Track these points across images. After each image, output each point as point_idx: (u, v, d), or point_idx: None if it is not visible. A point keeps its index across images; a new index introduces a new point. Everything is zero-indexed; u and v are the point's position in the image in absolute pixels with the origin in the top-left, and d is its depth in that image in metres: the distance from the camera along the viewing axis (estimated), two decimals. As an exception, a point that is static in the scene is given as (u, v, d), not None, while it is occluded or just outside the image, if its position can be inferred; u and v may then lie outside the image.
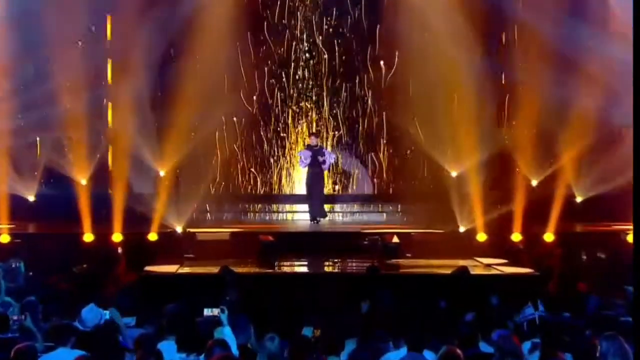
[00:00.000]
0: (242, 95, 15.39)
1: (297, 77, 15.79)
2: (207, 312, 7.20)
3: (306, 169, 13.89)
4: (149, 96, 14.18)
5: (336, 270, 11.66)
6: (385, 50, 15.27)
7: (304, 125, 15.78)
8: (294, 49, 15.66)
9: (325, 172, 14.33)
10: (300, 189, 15.49)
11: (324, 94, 15.82)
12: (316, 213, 13.82)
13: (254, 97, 15.49)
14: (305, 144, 15.20)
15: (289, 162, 15.81)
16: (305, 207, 14.35)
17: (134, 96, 13.61)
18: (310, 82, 15.82)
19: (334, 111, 15.78)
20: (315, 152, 13.66)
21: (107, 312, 6.89)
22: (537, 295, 7.79)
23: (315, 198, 13.84)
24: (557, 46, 13.37)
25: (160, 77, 14.33)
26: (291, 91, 15.74)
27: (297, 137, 15.79)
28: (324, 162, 13.70)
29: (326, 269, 11.78)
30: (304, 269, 11.94)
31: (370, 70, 15.54)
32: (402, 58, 14.97)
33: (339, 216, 15.13)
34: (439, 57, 14.11)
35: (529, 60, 13.83)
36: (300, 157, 13.81)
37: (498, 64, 14.42)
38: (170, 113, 13.80)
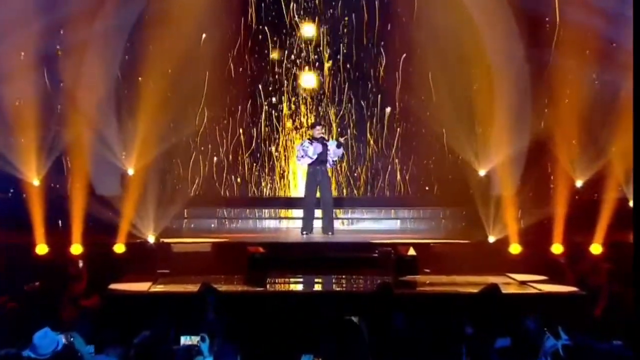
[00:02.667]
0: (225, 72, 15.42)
1: (292, 48, 15.84)
2: (184, 340, 7.20)
3: (306, 167, 13.85)
4: (114, 76, 14.19)
5: (340, 288, 11.67)
6: (400, 19, 15.31)
7: (301, 111, 15.81)
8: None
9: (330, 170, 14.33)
10: (297, 191, 15.51)
11: (326, 71, 15.85)
12: (309, 228, 13.80)
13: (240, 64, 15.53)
14: (301, 136, 15.27)
15: (282, 157, 15.82)
16: (301, 212, 14.33)
17: (96, 74, 13.60)
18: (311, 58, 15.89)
19: (336, 91, 15.83)
20: (324, 147, 13.63)
21: (64, 338, 6.88)
22: (579, 318, 7.78)
23: (314, 207, 13.82)
24: (606, 16, 13.37)
25: (129, 51, 14.34)
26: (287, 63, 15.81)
27: (293, 124, 15.81)
28: (332, 161, 13.63)
29: (328, 287, 11.79)
30: (302, 287, 11.95)
31: (383, 51, 15.60)
32: (420, 29, 14.99)
33: (343, 223, 15.14)
34: (463, 29, 14.12)
35: (573, 33, 13.76)
36: (306, 151, 13.65)
37: (535, 37, 14.40)
38: (141, 96, 13.80)
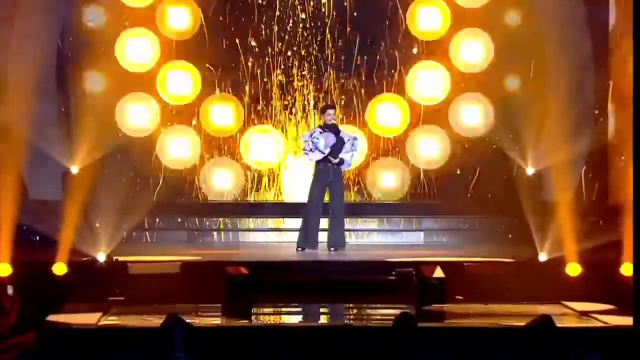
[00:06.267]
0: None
1: (286, 20, 15.86)
2: (145, 385, 7.23)
3: (313, 163, 13.91)
4: (53, 48, 14.19)
5: (347, 321, 11.66)
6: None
7: (297, 95, 15.83)
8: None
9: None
10: (291, 195, 15.51)
11: (328, 45, 15.88)
12: (310, 241, 13.86)
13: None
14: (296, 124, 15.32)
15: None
16: (296, 222, 14.34)
17: (30, 48, 13.60)
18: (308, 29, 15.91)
19: (342, 73, 15.83)
20: (338, 138, 13.65)
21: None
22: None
23: (319, 216, 13.87)
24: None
25: (74, 18, 14.38)
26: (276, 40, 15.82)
27: (285, 109, 15.84)
28: (349, 161, 13.64)
29: (331, 318, 11.83)
30: (297, 320, 11.99)
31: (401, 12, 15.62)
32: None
33: (350, 237, 15.14)
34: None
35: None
36: (316, 143, 13.62)
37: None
38: (90, 74, 13.79)
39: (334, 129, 13.71)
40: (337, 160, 13.60)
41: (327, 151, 13.58)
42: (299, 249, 13.88)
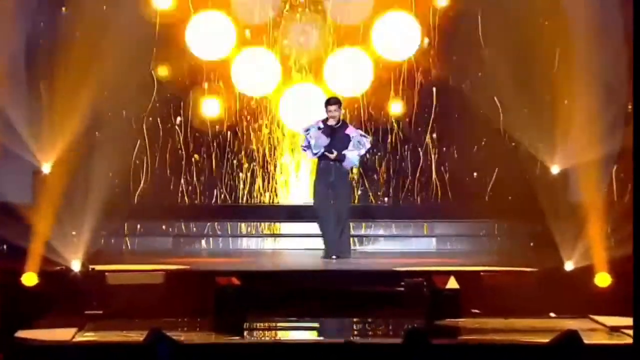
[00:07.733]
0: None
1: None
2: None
3: (315, 160, 13.98)
4: (24, 34, 14.22)
5: (352, 337, 11.63)
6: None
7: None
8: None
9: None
10: (287, 196, 15.52)
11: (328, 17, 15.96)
12: (333, 246, 13.91)
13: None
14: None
15: (267, 148, 15.85)
16: (295, 227, 14.33)
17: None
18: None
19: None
20: (337, 135, 13.66)
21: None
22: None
23: (331, 219, 13.91)
24: None
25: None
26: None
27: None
28: (351, 162, 13.67)
29: (333, 334, 11.84)
30: (294, 336, 11.97)
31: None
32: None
33: (354, 243, 15.14)
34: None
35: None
36: (308, 140, 13.68)
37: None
38: (64, 63, 13.82)
39: (333, 126, 13.67)
40: (333, 156, 13.57)
41: (317, 151, 13.59)
42: (332, 257, 13.84)
